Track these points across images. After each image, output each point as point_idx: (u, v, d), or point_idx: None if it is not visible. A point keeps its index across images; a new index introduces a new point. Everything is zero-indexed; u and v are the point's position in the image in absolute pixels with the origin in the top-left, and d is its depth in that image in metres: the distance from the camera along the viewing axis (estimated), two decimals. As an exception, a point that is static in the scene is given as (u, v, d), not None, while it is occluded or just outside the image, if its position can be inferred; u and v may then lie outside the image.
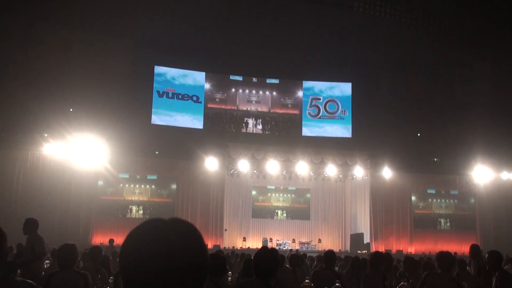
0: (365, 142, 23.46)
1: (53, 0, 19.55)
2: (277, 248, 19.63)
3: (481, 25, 20.99)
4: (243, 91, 25.97)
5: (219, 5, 20.44)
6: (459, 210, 24.77)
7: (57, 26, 20.99)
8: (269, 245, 21.41)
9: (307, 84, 26.38)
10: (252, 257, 3.66)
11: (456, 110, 24.60)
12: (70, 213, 19.38)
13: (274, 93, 26.18)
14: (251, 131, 25.28)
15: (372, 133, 23.59)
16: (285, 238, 23.72)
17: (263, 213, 25.16)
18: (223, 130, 25.11)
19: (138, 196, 22.13)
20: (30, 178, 18.83)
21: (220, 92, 25.75)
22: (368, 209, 23.21)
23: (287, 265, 6.99)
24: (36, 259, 6.44)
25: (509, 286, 4.87)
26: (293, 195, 25.71)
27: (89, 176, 20.00)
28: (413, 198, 24.34)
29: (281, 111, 26.05)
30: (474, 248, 7.60)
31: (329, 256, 6.03)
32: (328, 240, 24.69)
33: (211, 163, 21.21)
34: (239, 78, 26.03)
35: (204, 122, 24.89)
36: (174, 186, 22.48)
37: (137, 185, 22.20)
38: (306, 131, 25.70)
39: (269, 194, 25.52)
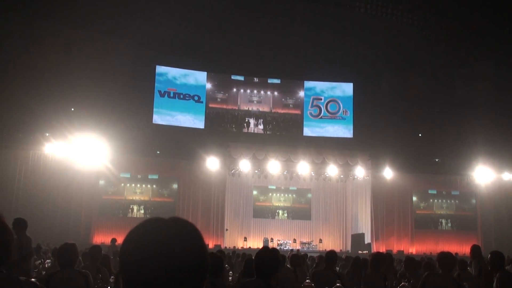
0: (366, 142, 23.45)
1: (54, 0, 19.57)
2: (278, 248, 19.62)
3: (482, 25, 20.96)
4: (245, 91, 25.97)
5: (221, 5, 20.43)
6: (460, 211, 24.75)
7: (58, 26, 20.98)
8: (270, 245, 21.44)
9: (308, 84, 26.37)
10: (253, 257, 3.66)
11: (457, 110, 24.59)
12: (71, 213, 19.41)
13: (276, 93, 26.17)
14: (252, 131, 25.28)
15: (373, 133, 23.59)
16: (286, 238, 23.72)
17: (264, 213, 25.16)
18: (225, 130, 25.11)
19: (139, 196, 22.14)
20: (32, 178, 18.86)
21: (222, 92, 25.75)
22: (369, 209, 23.21)
23: (288, 265, 6.99)
24: (22, 260, 6.34)
25: (510, 287, 4.87)
26: (294, 195, 25.71)
27: (91, 176, 20.02)
28: (414, 198, 24.33)
29: (282, 111, 26.05)
30: (475, 249, 7.60)
31: (330, 256, 6.03)
32: (329, 240, 24.70)
33: (212, 163, 21.22)
34: (241, 78, 26.03)
35: (205, 122, 24.88)
36: (175, 186, 22.48)
37: (138, 185, 22.21)
38: (307, 131, 25.69)
39: (270, 194, 25.52)
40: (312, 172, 23.41)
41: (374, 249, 21.40)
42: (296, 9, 21.24)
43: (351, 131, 25.74)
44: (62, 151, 18.91)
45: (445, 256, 5.01)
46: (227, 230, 22.71)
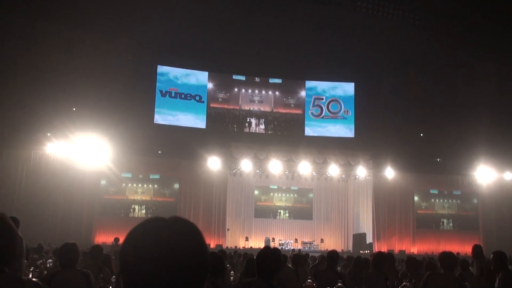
0: (367, 142, 23.44)
1: (55, 0, 19.58)
2: (279, 248, 19.62)
3: (483, 25, 20.95)
4: (246, 90, 25.96)
5: (222, 5, 20.44)
6: (462, 210, 24.72)
7: (59, 26, 21.01)
8: (272, 244, 21.44)
9: (309, 84, 26.36)
10: (254, 257, 3.66)
11: (458, 110, 24.55)
12: (73, 212, 19.41)
13: (277, 93, 26.16)
14: (253, 131, 25.29)
15: (374, 133, 23.58)
16: (287, 238, 23.72)
17: (266, 213, 25.16)
18: (226, 129, 25.12)
19: (140, 196, 22.14)
20: (33, 178, 18.88)
21: (223, 92, 25.75)
22: (371, 209, 23.18)
23: (289, 265, 6.99)
24: (14, 260, 6.29)
25: (512, 286, 4.86)
26: (295, 195, 25.70)
27: (92, 176, 20.02)
28: (416, 198, 24.30)
29: (283, 111, 26.04)
30: (477, 248, 7.59)
31: (331, 256, 6.04)
32: (331, 240, 24.68)
33: (213, 163, 21.21)
34: (242, 77, 26.02)
35: (206, 121, 24.88)
36: (176, 186, 22.48)
37: (140, 185, 22.22)
38: (309, 131, 25.68)
39: (271, 194, 25.52)
40: (313, 172, 23.40)
41: (376, 249, 21.38)
42: (297, 9, 21.24)
43: (353, 131, 25.72)
44: (63, 151, 18.94)
45: (446, 256, 5.00)
46: (228, 230, 22.71)
